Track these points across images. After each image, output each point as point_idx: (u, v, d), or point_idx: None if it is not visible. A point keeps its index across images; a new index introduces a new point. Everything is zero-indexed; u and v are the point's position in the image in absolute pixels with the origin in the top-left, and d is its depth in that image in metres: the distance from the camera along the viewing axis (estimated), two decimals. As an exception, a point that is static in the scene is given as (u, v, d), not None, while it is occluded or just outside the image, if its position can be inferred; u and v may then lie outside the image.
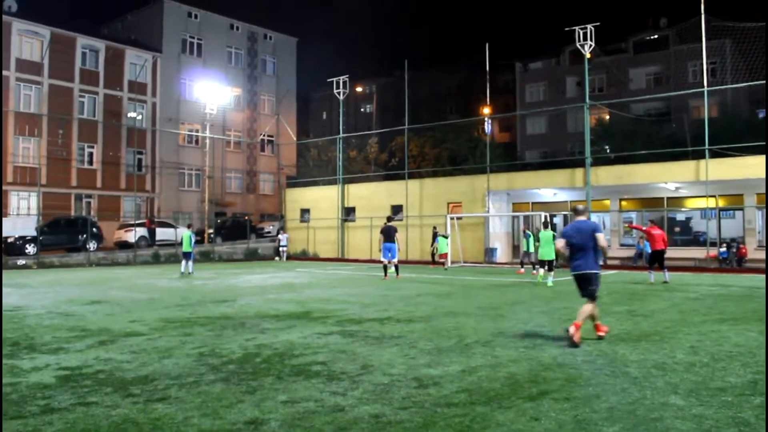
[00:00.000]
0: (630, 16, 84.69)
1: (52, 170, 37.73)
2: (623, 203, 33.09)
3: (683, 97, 40.93)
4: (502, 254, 33.07)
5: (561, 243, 8.64)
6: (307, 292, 15.84)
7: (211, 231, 39.87)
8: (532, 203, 34.09)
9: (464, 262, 30.44)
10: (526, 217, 32.40)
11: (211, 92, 41.00)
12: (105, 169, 41.39)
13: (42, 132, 38.60)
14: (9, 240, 30.06)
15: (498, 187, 32.52)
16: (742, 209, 29.72)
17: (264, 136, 50.01)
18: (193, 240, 24.13)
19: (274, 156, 49.88)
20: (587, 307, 8.26)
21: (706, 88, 27.54)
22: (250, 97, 50.92)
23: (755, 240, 29.30)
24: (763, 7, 27.29)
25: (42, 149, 38.11)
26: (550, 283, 17.52)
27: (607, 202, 32.61)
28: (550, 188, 32.06)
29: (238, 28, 50.68)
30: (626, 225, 32.70)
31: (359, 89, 67.28)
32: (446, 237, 27.99)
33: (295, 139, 49.47)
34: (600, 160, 32.92)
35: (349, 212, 38.09)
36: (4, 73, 36.73)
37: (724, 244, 27.73)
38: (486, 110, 40.27)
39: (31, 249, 30.25)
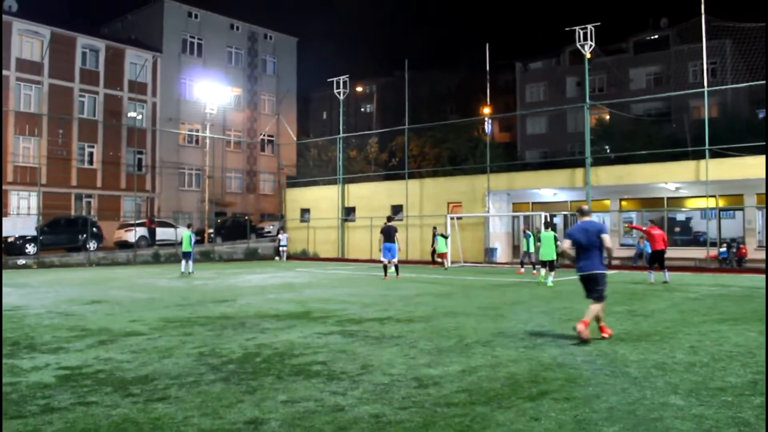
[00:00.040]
0: (630, 16, 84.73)
1: (52, 170, 37.72)
2: (623, 203, 33.09)
3: (683, 97, 40.94)
4: (502, 254, 33.08)
5: (567, 244, 8.71)
6: (307, 292, 15.84)
7: (211, 231, 39.87)
8: (532, 203, 34.10)
9: (464, 262, 30.44)
10: (526, 217, 32.41)
11: (212, 92, 41.00)
12: (105, 168, 41.39)
13: (42, 132, 38.60)
14: (9, 239, 30.07)
15: (498, 187, 32.52)
16: (742, 209, 29.72)
17: (264, 135, 50.01)
18: (193, 240, 24.14)
19: (275, 156, 49.88)
20: (595, 307, 8.33)
21: (706, 88, 27.55)
22: (250, 96, 50.92)
23: (755, 240, 29.30)
24: (763, 8, 27.30)
25: (42, 149, 38.11)
26: (550, 283, 17.53)
27: (608, 202, 32.62)
28: (550, 188, 32.06)
29: (238, 28, 50.68)
30: (626, 225, 32.70)
31: (359, 89, 67.27)
32: (446, 237, 27.98)
33: (295, 138, 49.47)
34: (600, 160, 32.92)
35: (349, 212, 38.09)
36: (4, 72, 36.73)
37: (725, 244, 27.73)
38: (486, 110, 40.28)
39: (31, 249, 30.26)
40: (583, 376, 6.20)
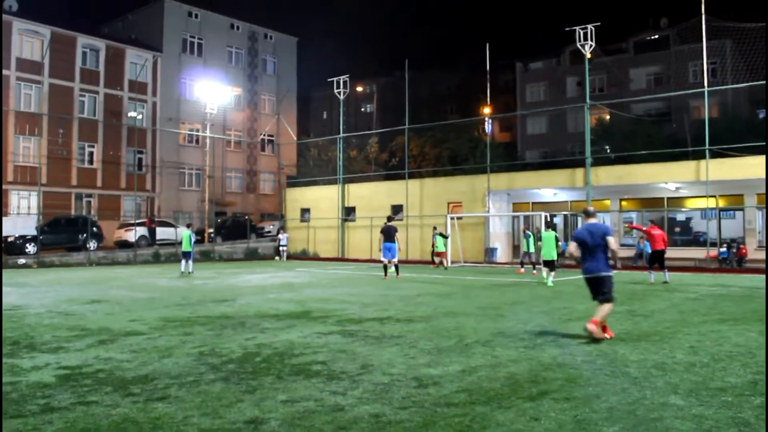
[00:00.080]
0: (630, 16, 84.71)
1: (52, 169, 37.72)
2: (623, 203, 33.10)
3: (684, 98, 40.94)
4: (503, 254, 33.08)
5: (573, 246, 8.76)
6: (307, 292, 15.84)
7: (211, 230, 39.87)
8: (533, 203, 34.10)
9: (464, 262, 30.44)
10: (526, 217, 32.42)
11: (212, 92, 41.00)
12: (105, 168, 41.39)
13: (42, 131, 38.60)
14: (9, 239, 30.07)
15: (498, 187, 32.52)
16: (742, 209, 29.72)
17: (264, 135, 50.01)
18: (193, 239, 24.15)
19: (275, 155, 49.88)
20: (606, 307, 8.40)
21: (706, 89, 27.54)
22: (250, 96, 50.91)
23: (755, 240, 29.30)
24: (763, 8, 27.30)
25: (42, 148, 38.11)
26: (550, 283, 17.53)
27: (608, 202, 32.62)
28: (551, 188, 32.06)
29: (238, 28, 50.68)
30: (626, 225, 32.71)
31: (359, 89, 67.23)
32: (445, 237, 27.98)
33: (295, 138, 49.48)
34: (600, 160, 32.92)
35: (349, 212, 38.09)
36: (5, 72, 36.74)
37: (725, 245, 27.72)
38: (486, 110, 40.27)
39: (31, 248, 30.27)
40: (583, 376, 6.20)
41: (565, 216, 34.58)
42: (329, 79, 39.46)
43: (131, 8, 49.06)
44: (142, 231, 35.19)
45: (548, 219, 28.15)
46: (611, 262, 8.52)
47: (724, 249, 27.50)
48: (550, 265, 18.48)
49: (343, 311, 11.62)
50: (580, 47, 29.15)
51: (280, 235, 37.08)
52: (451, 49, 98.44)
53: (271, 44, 52.90)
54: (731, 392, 5.57)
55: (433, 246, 28.73)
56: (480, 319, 10.44)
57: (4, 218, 32.11)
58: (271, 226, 42.99)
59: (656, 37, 52.93)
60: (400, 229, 23.26)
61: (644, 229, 19.70)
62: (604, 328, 8.42)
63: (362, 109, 73.30)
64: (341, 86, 38.40)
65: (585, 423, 4.71)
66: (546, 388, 5.73)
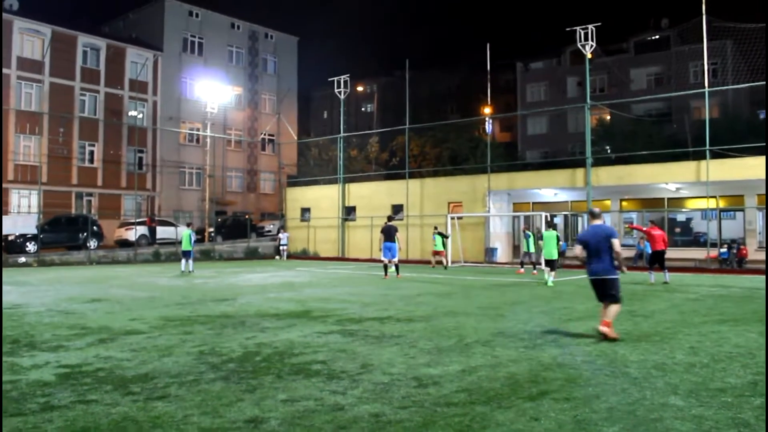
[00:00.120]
0: (631, 16, 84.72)
1: (52, 168, 37.70)
2: (624, 204, 33.09)
3: (684, 98, 40.92)
4: (503, 254, 33.07)
5: (578, 249, 8.85)
6: (308, 291, 15.84)
7: (211, 230, 39.87)
8: (533, 203, 34.11)
9: (464, 262, 30.44)
10: (526, 217, 32.41)
11: (212, 91, 41.00)
12: (106, 167, 41.40)
13: (43, 130, 38.61)
14: (10, 238, 30.09)
15: (498, 187, 32.51)
16: (742, 210, 29.71)
17: (265, 135, 50.02)
18: (193, 239, 24.16)
19: (275, 155, 49.88)
20: (615, 307, 8.46)
21: (707, 89, 27.53)
22: (251, 96, 50.91)
23: (756, 241, 29.29)
24: (764, 8, 27.29)
25: (43, 147, 38.13)
26: (550, 283, 17.53)
27: (608, 202, 32.62)
28: (551, 188, 32.05)
29: (239, 27, 50.68)
30: (627, 225, 32.69)
31: (360, 89, 67.24)
32: (446, 236, 27.97)
33: (295, 138, 49.48)
34: (601, 161, 32.92)
35: (349, 211, 38.09)
36: (5, 71, 36.75)
37: (725, 245, 27.71)
38: (487, 110, 40.29)
39: (31, 247, 30.29)
40: (583, 377, 6.20)
41: (566, 216, 34.58)
42: (330, 79, 39.47)
43: (132, 7, 49.13)
44: (142, 230, 35.20)
45: (548, 219, 28.14)
46: (616, 263, 8.54)
47: (724, 250, 27.48)
48: (551, 264, 18.53)
49: (344, 311, 11.62)
50: (580, 47, 29.13)
51: (280, 235, 37.09)
52: (451, 49, 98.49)
53: (272, 44, 52.90)
54: (731, 393, 5.57)
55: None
56: (480, 319, 10.44)
57: (4, 217, 32.12)
58: (272, 226, 42.99)
59: (657, 37, 52.92)
60: (400, 228, 23.26)
61: (644, 229, 19.69)
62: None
63: (363, 109, 73.32)
64: (342, 86, 38.40)
65: (585, 423, 4.71)
66: (546, 388, 5.73)
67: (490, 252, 31.95)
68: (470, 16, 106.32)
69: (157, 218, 38.79)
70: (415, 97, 42.43)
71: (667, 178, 28.29)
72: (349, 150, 46.25)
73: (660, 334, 8.84)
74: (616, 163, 33.45)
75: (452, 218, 31.47)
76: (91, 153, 41.23)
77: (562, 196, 32.97)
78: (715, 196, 27.98)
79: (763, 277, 19.45)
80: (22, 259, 28.88)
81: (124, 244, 34.49)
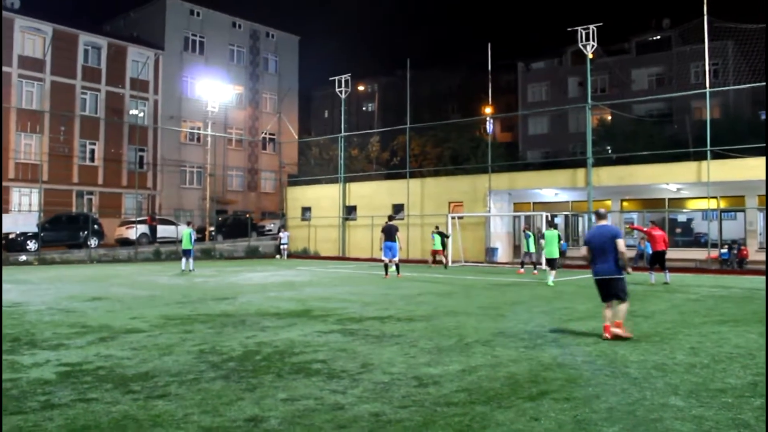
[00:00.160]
0: (632, 16, 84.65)
1: (53, 167, 37.72)
2: (625, 204, 33.07)
3: (685, 98, 40.88)
4: (503, 254, 33.06)
5: (585, 249, 8.96)
6: (308, 291, 15.85)
7: (212, 228, 39.88)
8: (534, 203, 34.10)
9: (465, 262, 30.43)
10: (527, 217, 32.40)
11: (213, 90, 41.01)
12: (106, 166, 41.41)
13: (44, 129, 38.62)
14: (10, 236, 30.09)
15: (499, 187, 32.50)
16: (743, 211, 29.70)
17: (265, 134, 50.03)
18: (194, 238, 24.16)
19: (276, 154, 49.87)
20: (623, 307, 8.55)
21: (708, 89, 27.51)
22: (251, 95, 50.91)
23: (756, 242, 29.27)
24: (765, 9, 27.27)
25: (44, 146, 38.13)
26: (551, 282, 17.54)
27: (609, 202, 32.58)
28: (552, 188, 32.04)
29: (240, 26, 50.68)
30: (627, 226, 32.67)
31: (361, 88, 67.20)
32: (445, 236, 27.95)
33: (296, 137, 49.47)
34: (602, 161, 32.89)
35: (350, 211, 38.09)
36: (7, 69, 36.76)
37: (726, 246, 27.70)
38: (488, 110, 40.23)
39: (32, 245, 30.30)
40: (583, 377, 6.20)
41: (566, 216, 34.57)
42: (331, 78, 39.45)
43: (133, 6, 49.10)
44: (143, 229, 35.20)
45: (548, 218, 28.14)
46: (621, 263, 8.56)
47: (725, 250, 27.48)
48: (551, 263, 18.58)
49: (344, 310, 11.62)
50: (581, 47, 29.11)
51: (281, 234, 37.09)
52: (452, 48, 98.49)
53: (273, 43, 52.89)
54: (731, 393, 5.57)
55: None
56: (480, 319, 10.44)
57: (5, 215, 32.14)
58: (272, 225, 42.99)
59: (658, 37, 52.89)
60: (401, 228, 23.25)
61: (645, 229, 19.68)
62: (605, 328, 8.44)
63: (364, 108, 73.33)
64: (343, 85, 38.38)
65: (585, 423, 4.71)
66: (546, 388, 5.73)
67: (490, 252, 31.94)
68: (472, 16, 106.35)
69: (157, 217, 38.78)
70: (416, 96, 42.41)
71: (668, 179, 28.27)
72: (349, 149, 46.24)
73: (660, 334, 8.84)
74: (617, 164, 33.43)
75: (453, 218, 31.47)
76: (92, 151, 41.24)
77: (563, 196, 32.96)
78: (715, 197, 27.96)
79: (764, 277, 19.44)
80: (23, 258, 28.90)
81: (125, 242, 34.50)
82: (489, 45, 34.08)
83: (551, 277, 17.99)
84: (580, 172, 30.12)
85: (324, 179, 42.97)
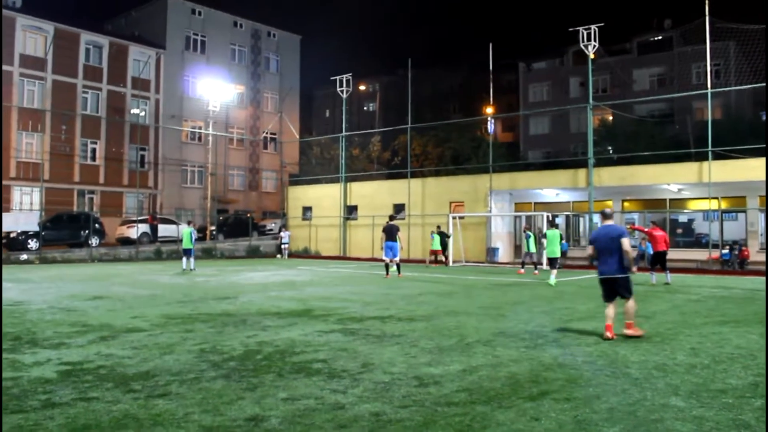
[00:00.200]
0: (634, 17, 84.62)
1: (55, 166, 37.77)
2: (626, 204, 33.05)
3: (687, 99, 40.86)
4: (504, 254, 33.05)
5: (590, 249, 9.02)
6: (309, 290, 15.85)
7: (213, 228, 39.91)
8: (535, 203, 34.08)
9: (466, 262, 30.43)
10: (528, 218, 32.37)
11: (215, 89, 41.03)
12: (108, 165, 41.44)
13: (45, 127, 38.65)
14: (12, 235, 30.12)
15: (500, 187, 32.48)
16: (744, 211, 29.67)
17: (267, 133, 50.06)
18: (194, 237, 24.17)
19: (277, 153, 49.89)
20: (631, 305, 8.62)
21: (709, 90, 27.48)
22: (253, 94, 50.94)
23: (757, 242, 29.24)
24: (765, 10, 27.25)
25: (45, 145, 38.17)
26: (552, 282, 17.55)
27: (610, 203, 32.54)
28: (553, 188, 32.03)
29: (241, 26, 50.70)
30: (628, 226, 32.61)
31: (362, 88, 67.22)
32: (446, 235, 27.93)
33: (297, 136, 49.47)
34: (603, 161, 32.86)
35: (351, 210, 38.08)
36: (8, 68, 36.79)
37: (727, 246, 27.68)
38: (489, 110, 40.22)
39: (33, 244, 30.32)
40: (584, 377, 6.20)
41: (567, 216, 34.56)
42: (332, 78, 39.43)
43: (135, 5, 49.16)
44: (144, 228, 35.21)
45: (550, 219, 28.13)
46: (626, 262, 8.59)
47: (726, 251, 27.45)
48: (553, 263, 18.62)
49: (345, 310, 11.62)
50: (583, 48, 29.08)
51: (281, 233, 37.10)
52: (454, 48, 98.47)
53: (274, 42, 52.91)
54: (732, 394, 5.57)
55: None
56: (481, 319, 10.44)
57: (6, 214, 32.18)
58: (273, 224, 43.00)
59: (660, 38, 52.86)
60: (401, 228, 23.24)
61: (646, 230, 19.66)
62: (607, 327, 8.46)
63: (365, 108, 73.35)
64: (344, 85, 38.36)
65: (585, 423, 4.71)
66: (547, 389, 5.73)
67: (491, 252, 31.93)
68: (473, 16, 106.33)
69: (158, 216, 38.80)
70: (418, 96, 42.41)
71: (669, 179, 28.25)
72: (351, 149, 46.24)
73: (661, 335, 8.83)
74: (618, 164, 33.42)
75: (454, 218, 31.46)
76: (93, 150, 41.27)
77: (564, 196, 32.94)
78: (717, 198, 27.95)
79: (765, 278, 19.41)
80: (24, 257, 28.93)
81: (126, 241, 34.51)
82: (490, 45, 34.06)
83: (553, 276, 18.03)
84: (581, 173, 30.11)
85: (325, 179, 42.97)
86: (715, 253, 26.98)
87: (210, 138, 43.20)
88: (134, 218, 36.30)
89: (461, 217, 32.11)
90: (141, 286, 16.93)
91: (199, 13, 47.77)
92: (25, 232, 30.54)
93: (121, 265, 27.53)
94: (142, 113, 43.57)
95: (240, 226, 40.98)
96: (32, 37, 38.77)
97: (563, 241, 22.31)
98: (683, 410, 5.06)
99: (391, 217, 22.19)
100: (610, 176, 29.76)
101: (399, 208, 35.03)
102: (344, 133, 39.99)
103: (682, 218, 32.81)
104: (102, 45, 41.91)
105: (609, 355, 7.33)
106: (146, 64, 42.33)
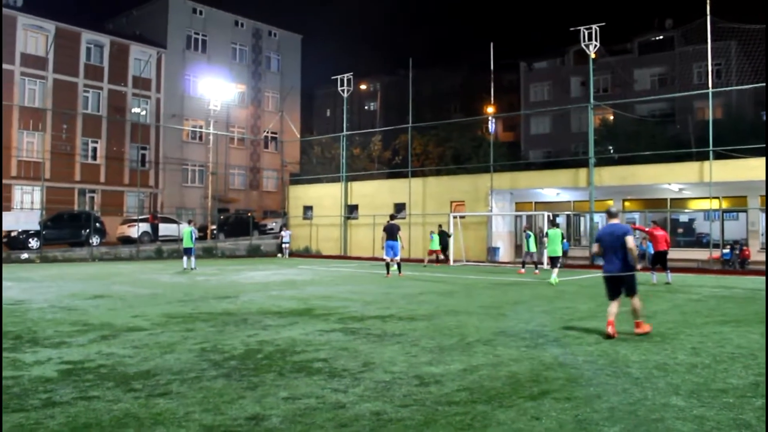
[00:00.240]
0: (635, 16, 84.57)
1: (56, 165, 37.79)
2: (626, 204, 33.02)
3: (688, 99, 40.83)
4: (505, 253, 33.04)
5: (596, 247, 9.15)
6: (310, 289, 15.85)
7: (214, 227, 39.91)
8: (535, 203, 34.07)
9: (467, 261, 30.43)
10: (528, 217, 32.35)
11: (216, 88, 41.05)
12: (109, 164, 41.46)
13: (46, 126, 38.67)
14: (12, 234, 30.14)
15: (501, 187, 32.48)
16: (745, 211, 29.65)
17: (268, 132, 50.07)
18: (194, 236, 24.17)
19: (278, 153, 49.90)
20: (636, 303, 8.74)
21: (710, 90, 27.45)
22: (254, 93, 50.94)
23: (758, 242, 29.21)
24: (765, 10, 27.22)
25: (46, 144, 38.20)
26: (554, 280, 17.57)
27: (611, 202, 32.50)
28: (554, 188, 32.01)
29: (242, 25, 50.70)
30: (629, 226, 32.65)
31: (363, 87, 67.22)
32: (447, 234, 27.91)
33: (298, 136, 49.47)
34: (604, 161, 32.83)
35: (352, 210, 38.09)
36: (9, 67, 36.80)
37: (728, 246, 27.66)
38: (490, 109, 40.22)
39: (34, 243, 30.33)
40: (585, 376, 6.20)
41: (568, 216, 34.54)
42: (333, 77, 39.42)
43: (136, 4, 49.19)
44: (144, 227, 35.21)
45: (551, 218, 28.12)
46: (631, 260, 8.64)
47: (727, 250, 27.44)
48: (554, 262, 18.65)
49: (345, 309, 11.62)
50: (584, 47, 29.05)
51: (282, 233, 37.10)
52: (455, 48, 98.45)
53: (275, 41, 52.92)
54: (733, 394, 5.56)
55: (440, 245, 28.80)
56: (482, 318, 10.43)
57: (7, 213, 32.20)
58: (274, 224, 43.02)
59: (661, 37, 52.81)
60: (402, 227, 23.24)
61: (647, 230, 19.66)
62: (609, 322, 8.49)
63: (366, 107, 73.36)
64: (345, 84, 38.35)
65: (586, 423, 4.71)
66: (547, 388, 5.73)
67: (492, 251, 31.93)
68: (474, 16, 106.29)
69: (159, 215, 38.82)
70: (419, 95, 42.44)
71: (670, 179, 28.24)
72: (351, 148, 46.23)
73: (662, 334, 8.83)
74: (619, 164, 33.40)
75: (455, 217, 31.46)
76: (94, 150, 41.30)
77: (565, 195, 32.93)
78: (718, 197, 27.93)
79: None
80: (25, 256, 28.94)
81: (127, 240, 34.52)
82: (491, 44, 34.04)
83: (554, 275, 18.05)
84: (582, 172, 30.09)
85: (326, 178, 42.97)
86: (716, 253, 26.97)
87: (211, 137, 43.21)
88: (135, 217, 36.30)
89: (462, 217, 32.11)
90: (142, 285, 16.93)
91: (200, 13, 47.78)
92: (26, 231, 30.56)
93: (121, 264, 27.55)
94: (143, 112, 43.57)
95: (241, 225, 40.99)
96: (33, 36, 38.78)
97: (564, 241, 22.30)
98: (684, 410, 5.06)
99: (392, 217, 22.20)
100: (611, 176, 29.74)
101: (400, 208, 35.02)
102: (345, 133, 39.98)
103: (683, 218, 32.79)
104: (103, 44, 41.93)
105: (610, 354, 7.33)
106: (147, 63, 42.34)
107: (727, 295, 14.94)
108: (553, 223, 20.72)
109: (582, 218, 34.57)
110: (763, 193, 26.76)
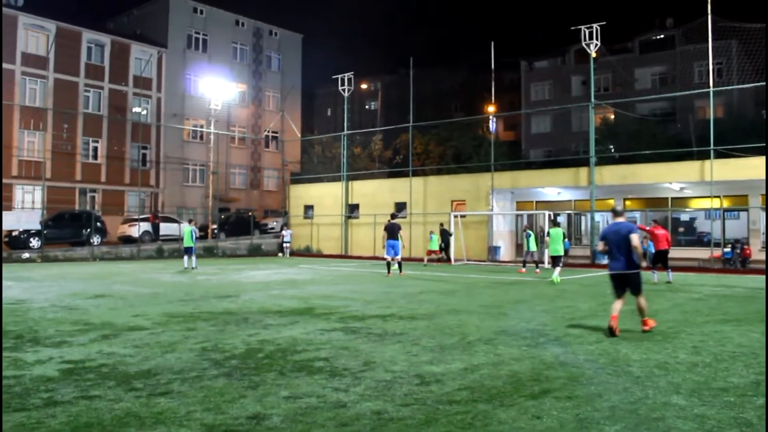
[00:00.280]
0: (636, 15, 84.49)
1: (56, 164, 37.82)
2: (627, 203, 32.99)
3: (689, 98, 40.78)
4: (506, 252, 33.04)
5: (601, 245, 9.17)
6: (310, 289, 15.85)
7: (214, 226, 39.93)
8: (536, 202, 34.06)
9: (467, 260, 30.43)
10: (529, 216, 32.32)
11: (216, 88, 41.05)
12: (109, 163, 41.48)
13: (47, 126, 38.68)
14: (13, 233, 30.18)
15: (502, 186, 32.48)
16: (746, 210, 29.63)
17: (268, 132, 50.06)
18: (195, 235, 24.18)
19: (279, 152, 49.92)
20: (642, 302, 8.78)
21: (711, 89, 27.43)
22: (255, 93, 50.94)
23: (759, 241, 29.18)
24: (765, 10, 27.20)
25: (47, 143, 38.21)
26: (555, 279, 17.58)
27: (611, 201, 32.46)
28: (554, 187, 32.00)
29: (243, 24, 50.70)
30: (630, 225, 32.59)
31: (364, 86, 67.20)
32: (448, 233, 27.92)
33: (299, 135, 49.48)
34: (604, 160, 32.81)
35: (352, 209, 38.09)
36: (10, 67, 36.82)
37: (729, 245, 27.64)
38: (491, 108, 40.21)
39: (35, 243, 30.36)
40: (585, 375, 6.20)
41: (569, 215, 34.52)
42: (334, 77, 39.44)
43: (136, 4, 49.16)
44: (145, 226, 35.23)
45: (552, 217, 28.12)
46: (636, 258, 8.69)
47: (728, 249, 27.43)
48: (556, 261, 18.66)
49: (346, 308, 11.63)
50: (585, 46, 29.06)
51: (283, 232, 37.11)
52: (455, 47, 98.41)
53: (276, 41, 52.91)
54: (733, 392, 5.56)
55: (440, 244, 28.78)
56: (483, 317, 10.43)
57: (8, 213, 32.23)
58: (275, 223, 43.03)
59: (662, 36, 52.80)
60: (403, 226, 23.24)
61: (648, 229, 19.66)
62: (613, 318, 8.53)
63: (366, 107, 73.35)
64: (346, 83, 38.36)
65: (587, 422, 4.71)
66: (548, 387, 5.73)
67: (493, 250, 31.93)
68: (476, 15, 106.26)
69: (160, 215, 38.84)
70: (419, 95, 42.41)
71: (671, 178, 28.23)
72: (352, 147, 46.24)
73: (663, 333, 8.83)
74: (619, 163, 33.39)
75: (455, 216, 31.46)
76: (95, 149, 41.32)
77: (566, 195, 32.92)
78: (718, 196, 27.92)
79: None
80: (26, 255, 28.96)
81: (128, 240, 34.55)
82: (492, 44, 34.05)
83: (555, 273, 18.07)
84: (583, 171, 30.08)
85: (326, 177, 42.99)
86: (717, 252, 26.96)
87: (211, 136, 43.21)
88: (136, 217, 36.34)
89: (463, 216, 32.11)
90: (142, 284, 16.94)
91: (201, 12, 47.78)
92: (27, 231, 30.59)
93: (122, 264, 27.56)
94: (144, 112, 43.58)
95: (241, 224, 41.01)
96: (34, 35, 38.79)
97: (565, 240, 22.30)
98: (685, 409, 5.06)
99: (393, 216, 22.19)
100: (612, 175, 29.74)
101: (400, 207, 35.03)
102: (346, 132, 39.98)
103: (684, 217, 32.77)
104: (104, 43, 41.94)
105: (610, 353, 7.32)
106: (148, 62, 42.37)
107: (728, 294, 14.94)
108: (554, 223, 20.78)
109: (583, 217, 34.56)
110: (764, 192, 26.75)
